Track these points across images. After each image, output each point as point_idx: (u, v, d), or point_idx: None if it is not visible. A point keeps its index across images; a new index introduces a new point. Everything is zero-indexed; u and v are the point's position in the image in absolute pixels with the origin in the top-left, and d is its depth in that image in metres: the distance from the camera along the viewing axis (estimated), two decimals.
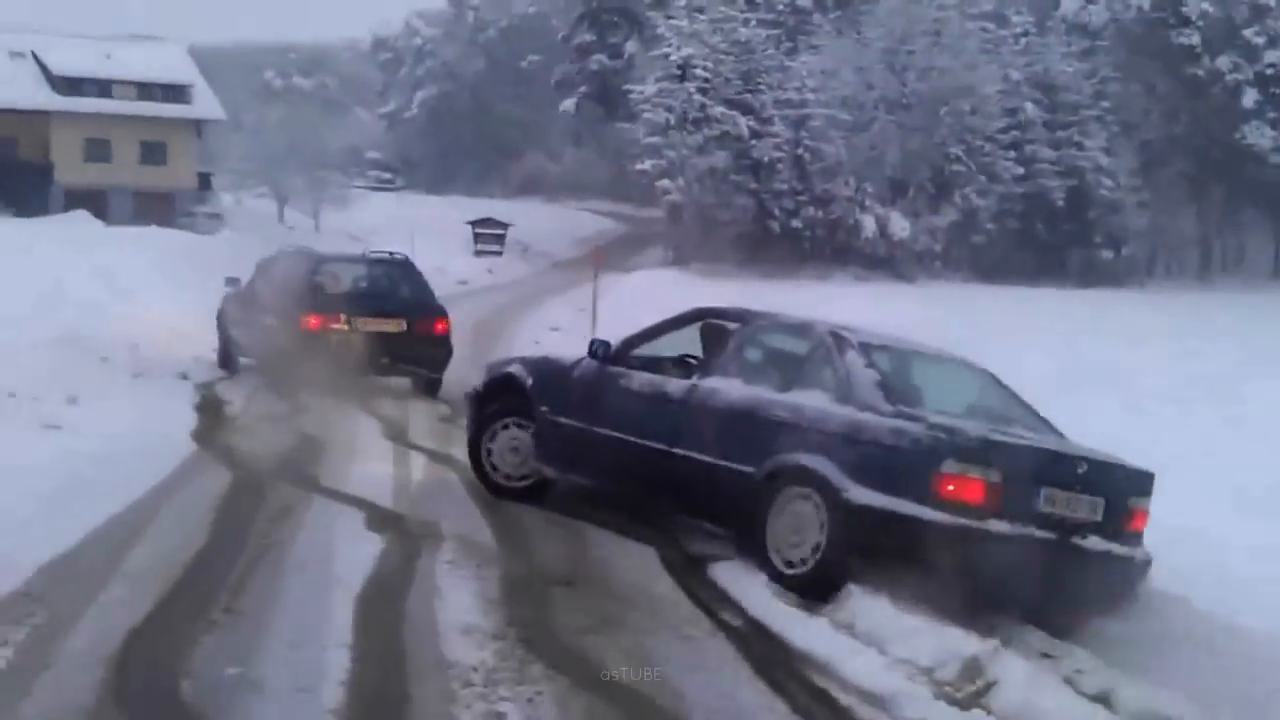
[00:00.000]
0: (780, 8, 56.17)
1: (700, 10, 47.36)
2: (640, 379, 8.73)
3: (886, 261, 47.33)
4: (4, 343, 13.45)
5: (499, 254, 51.98)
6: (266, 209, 61.68)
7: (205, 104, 62.63)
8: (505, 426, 9.30)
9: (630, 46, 62.06)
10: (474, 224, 53.97)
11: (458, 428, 11.58)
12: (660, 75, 46.65)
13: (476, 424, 9.48)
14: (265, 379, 15.08)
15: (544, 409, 9.04)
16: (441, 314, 15.80)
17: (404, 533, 7.76)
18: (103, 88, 60.08)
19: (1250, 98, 55.38)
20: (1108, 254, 54.61)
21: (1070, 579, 7.21)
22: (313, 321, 14.78)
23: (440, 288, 18.29)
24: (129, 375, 13.98)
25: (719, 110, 45.62)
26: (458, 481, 9.61)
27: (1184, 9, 57.00)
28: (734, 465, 7.88)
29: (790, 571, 7.50)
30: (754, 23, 48.93)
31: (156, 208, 55.84)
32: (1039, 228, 52.56)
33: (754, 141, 46.20)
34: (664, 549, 7.95)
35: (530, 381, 9.28)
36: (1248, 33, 56.14)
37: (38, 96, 58.82)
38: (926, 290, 42.32)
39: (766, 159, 46.33)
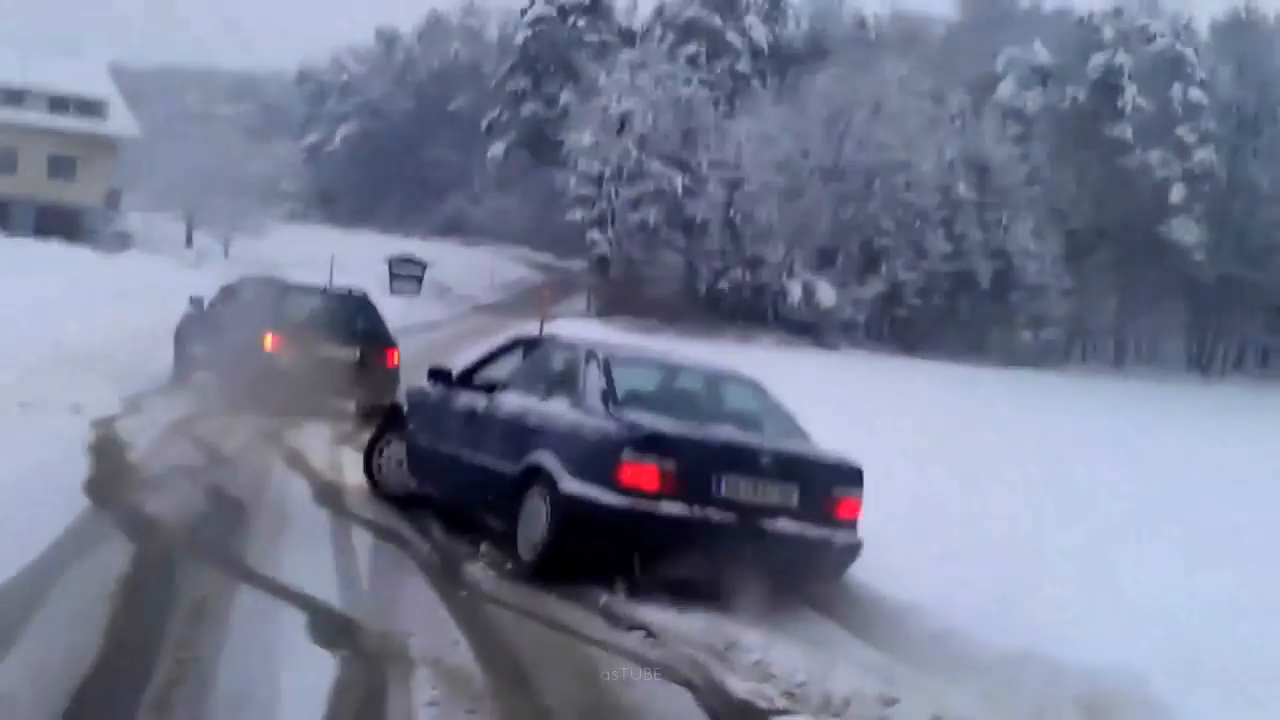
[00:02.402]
0: (719, 70, 55.62)
1: (643, 65, 46.61)
2: (462, 398, 9.80)
3: (811, 328, 46.78)
4: None
5: (416, 293, 50.22)
6: (176, 232, 59.64)
7: (120, 121, 60.54)
8: (389, 443, 10.51)
9: (565, 96, 61.09)
10: (391, 260, 51.96)
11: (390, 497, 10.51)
12: (597, 127, 45.72)
13: (371, 439, 10.82)
14: (204, 399, 15.31)
15: (410, 428, 10.30)
16: (392, 344, 16.91)
17: (362, 650, 6.02)
18: (14, 97, 57.77)
19: (1178, 193, 55.81)
20: (1028, 335, 54.58)
21: (758, 557, 7.87)
22: (274, 343, 15.81)
23: None
24: (15, 405, 11.85)
25: (655, 166, 44.79)
26: (414, 568, 8.06)
27: (1119, 102, 57.50)
28: (503, 467, 8.78)
29: (527, 559, 8.30)
30: (695, 82, 48.24)
31: (62, 222, 53.67)
32: (963, 305, 52.34)
33: (687, 200, 45.41)
34: (705, 694, 6.23)
35: (405, 406, 10.66)
36: (1180, 130, 56.62)
37: None
38: (848, 358, 41.78)
39: (699, 218, 45.55)
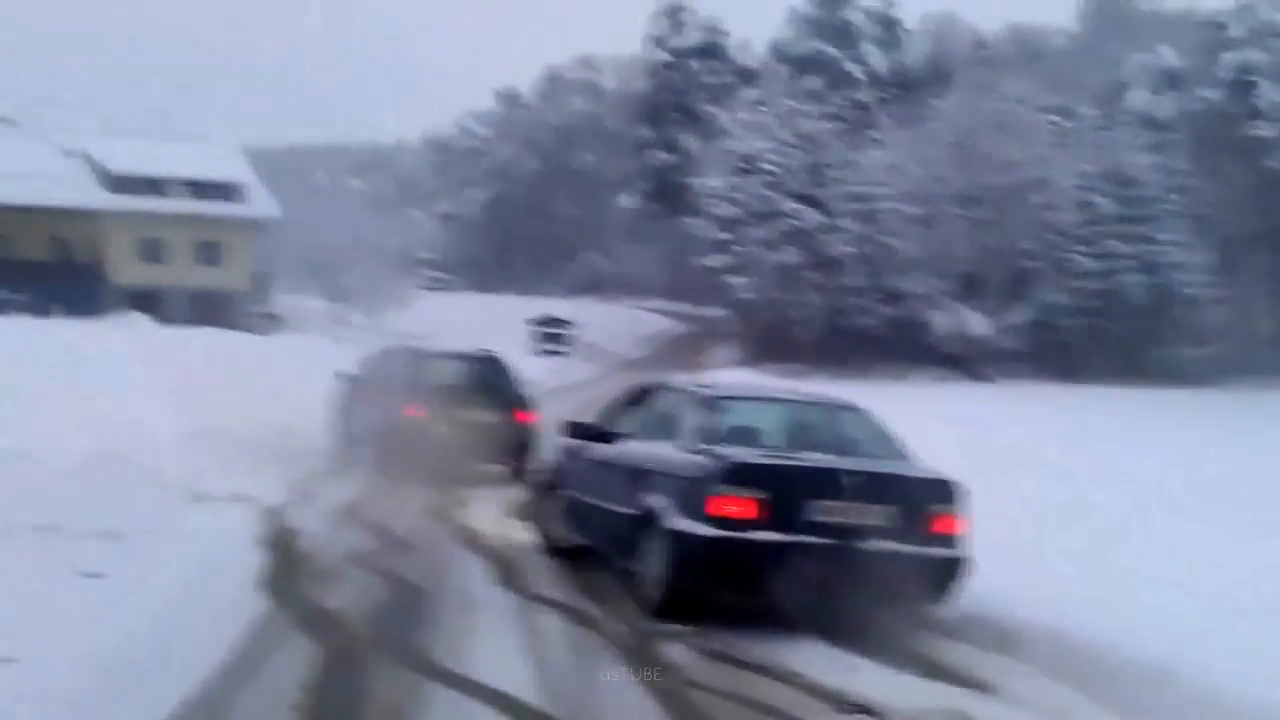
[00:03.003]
0: (841, 102, 55.03)
1: (764, 103, 46.28)
2: (595, 449, 10.40)
3: (963, 360, 45.68)
4: (41, 464, 11.76)
5: (565, 354, 50.10)
6: (322, 309, 60.80)
7: (260, 203, 62.00)
8: (549, 498, 11.15)
9: (689, 142, 61.03)
10: (536, 322, 52.00)
11: (580, 566, 10.29)
12: (726, 169, 45.45)
13: (537, 495, 11.57)
14: (361, 478, 15.37)
15: (561, 482, 11.02)
16: (526, 405, 17.18)
17: None
18: (156, 186, 59.52)
19: None
20: (1190, 352, 52.68)
21: (856, 578, 8.08)
22: (413, 410, 16.06)
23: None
24: (185, 499, 11.88)
25: (788, 204, 44.33)
26: (610, 652, 7.60)
27: (1255, 101, 55.47)
28: (627, 510, 9.24)
29: (652, 598, 8.73)
30: (818, 115, 47.74)
31: (213, 308, 54.99)
32: (1118, 325, 50.67)
33: (823, 236, 44.82)
34: None
35: (559, 465, 11.38)
36: None
37: (90, 196, 58.30)
38: (1005, 390, 40.51)
39: (836, 254, 44.89)
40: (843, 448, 9.10)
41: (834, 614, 8.18)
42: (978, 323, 45.90)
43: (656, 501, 8.78)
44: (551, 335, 50.73)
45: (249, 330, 47.77)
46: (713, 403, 9.36)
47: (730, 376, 34.61)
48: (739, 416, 9.43)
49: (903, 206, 45.08)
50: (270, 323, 54.41)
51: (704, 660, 7.47)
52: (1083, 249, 48.53)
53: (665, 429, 9.50)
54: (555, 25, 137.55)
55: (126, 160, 59.41)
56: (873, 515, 8.34)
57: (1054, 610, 8.21)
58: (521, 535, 11.55)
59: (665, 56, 67.95)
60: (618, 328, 58.88)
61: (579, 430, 10.69)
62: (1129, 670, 7.02)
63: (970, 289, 47.30)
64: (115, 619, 7.07)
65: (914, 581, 8.34)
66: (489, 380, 17.38)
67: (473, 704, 6.28)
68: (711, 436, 8.90)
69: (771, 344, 44.25)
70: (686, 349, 47.98)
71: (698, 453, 8.69)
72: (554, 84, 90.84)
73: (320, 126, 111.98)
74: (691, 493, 8.47)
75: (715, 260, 45.24)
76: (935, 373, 43.87)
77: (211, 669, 6.53)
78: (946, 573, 8.52)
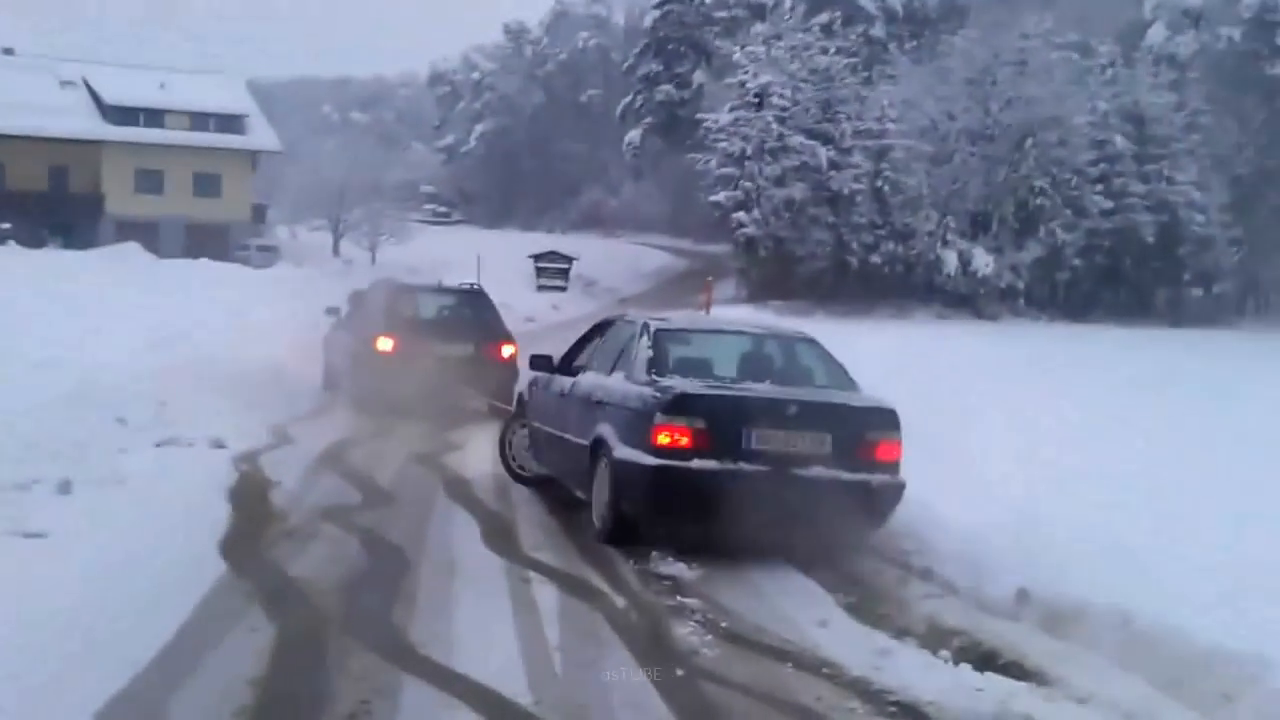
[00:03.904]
0: (854, 38, 53.78)
1: (777, 37, 45.15)
2: (556, 382, 10.58)
3: (968, 299, 44.89)
4: (10, 401, 10.83)
5: (563, 289, 49.63)
6: (321, 242, 60.02)
7: (261, 135, 61.01)
8: (521, 428, 11.34)
9: (699, 76, 59.89)
10: (536, 258, 51.74)
11: (578, 517, 9.54)
12: (735, 104, 44.40)
13: (502, 428, 11.69)
14: (341, 412, 15.15)
15: (528, 414, 11.26)
16: (507, 338, 16.81)
17: None
18: (155, 118, 58.53)
19: None
20: (1198, 292, 51.80)
21: (798, 503, 8.27)
22: (388, 344, 15.78)
23: (507, 325, 17.72)
24: (150, 444, 10.77)
25: (797, 140, 43.33)
26: (612, 635, 6.64)
27: (1277, 40, 54.23)
28: (581, 441, 9.45)
29: (598, 526, 9.00)
30: (833, 50, 46.57)
31: (209, 240, 54.26)
32: (1127, 265, 49.81)
33: (832, 173, 43.87)
34: None
35: (525, 396, 11.62)
36: None
37: (89, 126, 57.35)
38: (1011, 328, 39.74)
39: (846, 191, 43.96)
40: (790, 379, 9.28)
41: (775, 540, 8.39)
42: (985, 261, 44.95)
43: (605, 431, 8.99)
44: (551, 270, 50.60)
45: (245, 263, 47.00)
46: (663, 335, 9.43)
47: (731, 313, 33.87)
48: (688, 348, 9.60)
49: (914, 143, 44.05)
50: (267, 255, 53.63)
51: (719, 643, 6.60)
52: (1096, 188, 47.58)
53: (619, 361, 9.59)
54: None
55: (126, 91, 58.48)
56: (811, 443, 8.47)
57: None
58: (519, 494, 10.74)
59: None
60: (620, 263, 58.23)
61: (542, 363, 10.87)
62: (1204, 661, 6.08)
63: (979, 227, 46.38)
64: (45, 591, 6.23)
65: (853, 508, 8.48)
66: (472, 314, 17.22)
67: (452, 706, 5.36)
68: (660, 368, 9.02)
69: (775, 281, 43.45)
70: (688, 284, 47.15)
71: (643, 384, 8.85)
72: (562, 18, 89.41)
73: (326, 59, 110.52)
74: (635, 423, 8.66)
75: (720, 196, 44.29)
76: (940, 311, 43.10)
77: (145, 660, 5.59)
78: (888, 499, 8.69)
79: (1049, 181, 46.18)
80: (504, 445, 11.33)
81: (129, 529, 7.82)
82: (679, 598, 7.53)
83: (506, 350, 16.56)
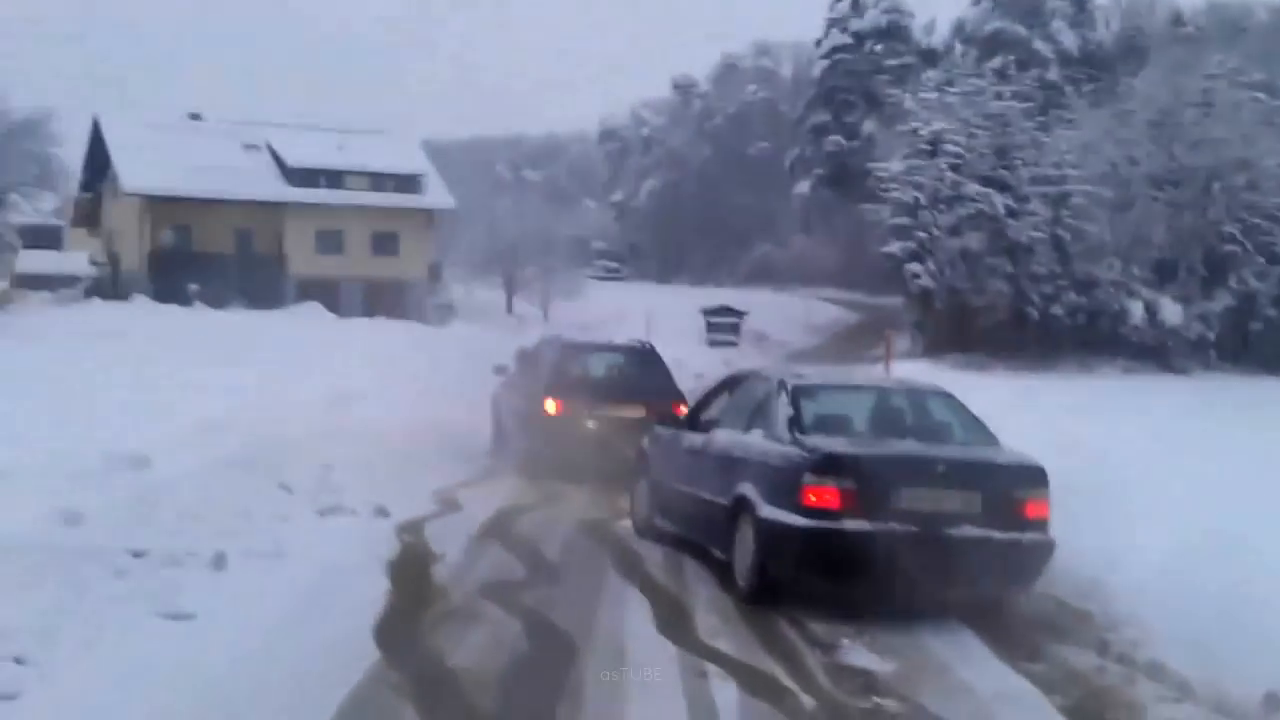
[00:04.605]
0: (1029, 82, 52.61)
1: (950, 83, 44.37)
2: (687, 438, 10.60)
3: (1156, 351, 43.05)
4: (157, 469, 10.75)
5: (735, 344, 49.21)
6: (496, 299, 60.75)
7: (436, 194, 62.12)
8: (638, 485, 11.45)
9: (868, 126, 59.22)
10: (707, 312, 51.44)
11: (752, 612, 8.81)
12: (908, 152, 43.66)
13: (631, 481, 11.82)
14: (509, 481, 14.80)
15: (652, 470, 11.21)
16: (679, 398, 15.90)
17: None
18: (335, 179, 59.97)
19: None
20: None
21: (949, 563, 8.16)
22: (555, 406, 15.49)
23: (677, 382, 17.19)
24: (313, 512, 10.73)
25: (973, 188, 42.32)
26: None
27: None
28: (719, 499, 9.37)
29: (742, 586, 8.90)
30: (1007, 95, 45.55)
31: (388, 298, 55.29)
32: None
33: (1010, 221, 42.67)
34: None
35: (647, 450, 11.64)
36: None
37: (273, 189, 59.08)
38: (1205, 384, 37.88)
39: (1024, 240, 42.71)
40: (930, 435, 9.26)
41: (924, 600, 8.29)
42: (1172, 311, 43.17)
43: (747, 490, 8.92)
44: (722, 325, 50.30)
45: (422, 321, 47.75)
46: (801, 391, 9.38)
47: (907, 368, 33.10)
48: (827, 405, 9.52)
49: (1095, 189, 42.67)
50: (444, 313, 54.45)
51: None
52: None
53: (754, 418, 9.56)
54: (732, 13, 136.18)
55: (307, 153, 60.15)
56: (961, 501, 8.37)
57: None
58: (692, 570, 10.28)
59: (846, 39, 66.18)
60: (790, 317, 57.69)
61: (668, 417, 11.15)
62: None
63: (1165, 275, 44.62)
64: (184, 681, 6.00)
65: (1003, 567, 8.41)
66: (641, 373, 16.76)
67: None
68: (801, 426, 8.97)
69: (951, 334, 42.35)
70: (861, 338, 46.36)
71: (788, 443, 8.79)
72: (729, 71, 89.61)
73: (499, 119, 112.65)
74: (782, 482, 8.57)
75: (894, 247, 43.45)
76: (1125, 364, 41.42)
77: None
78: (1038, 557, 8.56)
79: (1238, 226, 44.31)
80: (632, 503, 11.31)
81: (281, 610, 7.62)
82: (875, 699, 6.86)
83: (679, 411, 16.11)
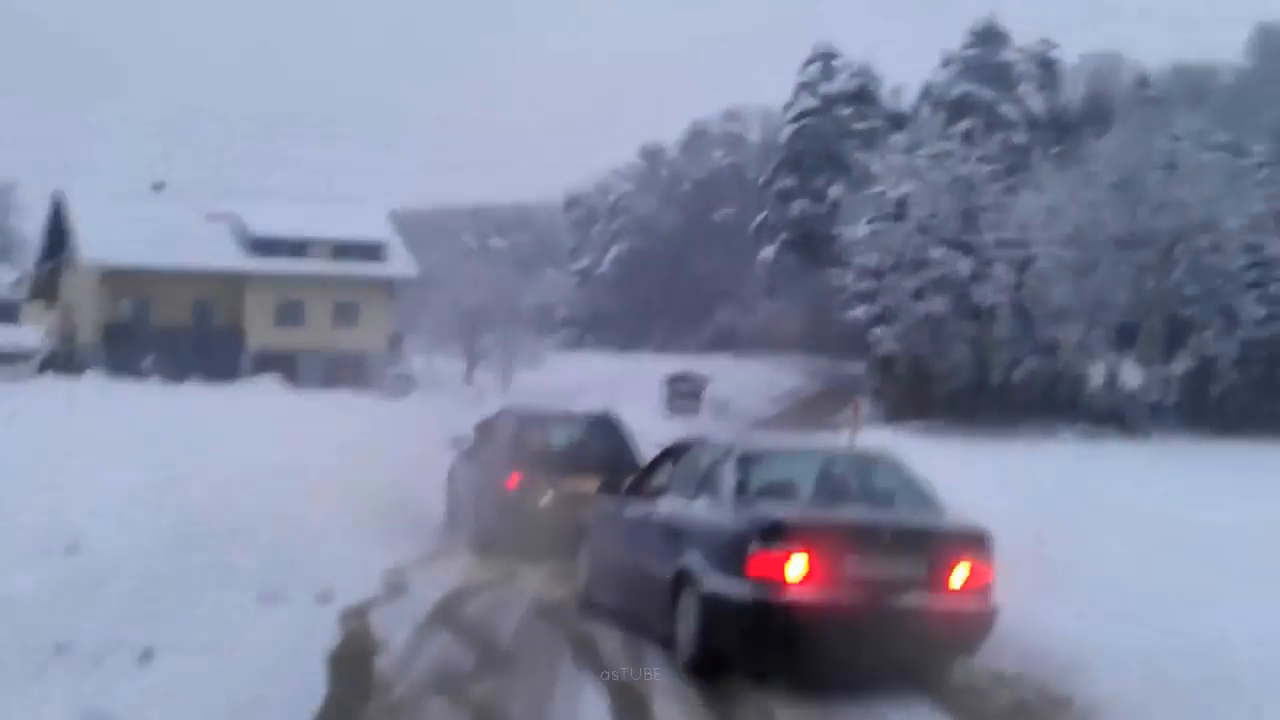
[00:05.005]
0: (996, 145, 52.88)
1: (918, 146, 44.42)
2: (629, 508, 10.27)
3: (1116, 416, 42.80)
4: (92, 553, 10.13)
5: (695, 412, 48.61)
6: (456, 369, 60.13)
7: (399, 263, 61.60)
8: (580, 556, 11.22)
9: (834, 190, 59.22)
10: (670, 380, 50.78)
11: (721, 688, 8.42)
12: (873, 216, 43.61)
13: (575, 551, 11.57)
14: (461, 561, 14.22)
15: (593, 541, 11.01)
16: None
17: None
18: (298, 248, 59.24)
19: None
20: None
21: (895, 632, 8.02)
22: (510, 480, 14.84)
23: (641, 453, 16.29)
24: (252, 597, 10.07)
25: (938, 251, 42.23)
26: None
27: None
28: (661, 571, 9.02)
29: (683, 659, 8.66)
30: (974, 158, 45.61)
31: (347, 370, 54.59)
32: None
33: (974, 285, 42.62)
34: None
35: (590, 522, 11.35)
36: None
37: (233, 260, 58.33)
38: (1165, 450, 37.19)
39: (987, 304, 42.61)
40: (877, 499, 9.12)
41: (869, 668, 8.14)
42: (1132, 375, 43.09)
43: (691, 561, 8.65)
44: (683, 394, 49.64)
45: (381, 392, 47.11)
46: (748, 458, 9.21)
47: (871, 436, 32.69)
48: (774, 470, 9.35)
49: (1059, 251, 42.65)
50: (403, 384, 53.77)
51: None
52: (1250, 294, 45.46)
53: (700, 486, 9.29)
54: (701, 81, 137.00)
55: (271, 223, 59.43)
56: (907, 567, 8.23)
57: None
58: (654, 656, 9.67)
59: (814, 103, 66.37)
60: (752, 385, 57.18)
61: (609, 487, 10.73)
62: None
63: (1126, 339, 44.59)
64: None
65: (948, 634, 8.28)
66: (603, 443, 15.95)
67: None
68: (741, 492, 8.78)
69: (912, 400, 42.07)
70: (824, 406, 45.94)
71: (734, 509, 8.58)
72: (698, 137, 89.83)
73: (466, 188, 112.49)
74: (727, 551, 8.31)
75: (858, 311, 43.29)
76: (1086, 429, 41.03)
77: None
78: (981, 625, 8.42)
79: (1200, 288, 44.36)
80: (575, 574, 11.10)
81: (210, 710, 7.00)
82: None
83: None
